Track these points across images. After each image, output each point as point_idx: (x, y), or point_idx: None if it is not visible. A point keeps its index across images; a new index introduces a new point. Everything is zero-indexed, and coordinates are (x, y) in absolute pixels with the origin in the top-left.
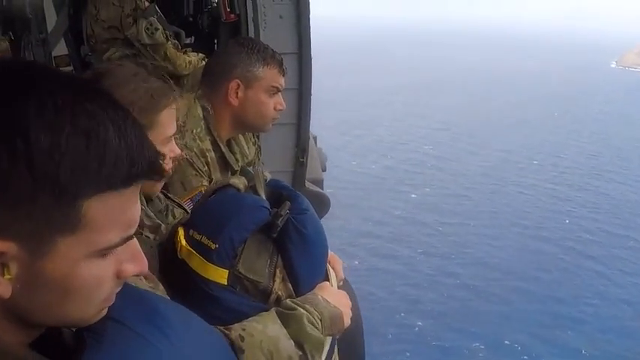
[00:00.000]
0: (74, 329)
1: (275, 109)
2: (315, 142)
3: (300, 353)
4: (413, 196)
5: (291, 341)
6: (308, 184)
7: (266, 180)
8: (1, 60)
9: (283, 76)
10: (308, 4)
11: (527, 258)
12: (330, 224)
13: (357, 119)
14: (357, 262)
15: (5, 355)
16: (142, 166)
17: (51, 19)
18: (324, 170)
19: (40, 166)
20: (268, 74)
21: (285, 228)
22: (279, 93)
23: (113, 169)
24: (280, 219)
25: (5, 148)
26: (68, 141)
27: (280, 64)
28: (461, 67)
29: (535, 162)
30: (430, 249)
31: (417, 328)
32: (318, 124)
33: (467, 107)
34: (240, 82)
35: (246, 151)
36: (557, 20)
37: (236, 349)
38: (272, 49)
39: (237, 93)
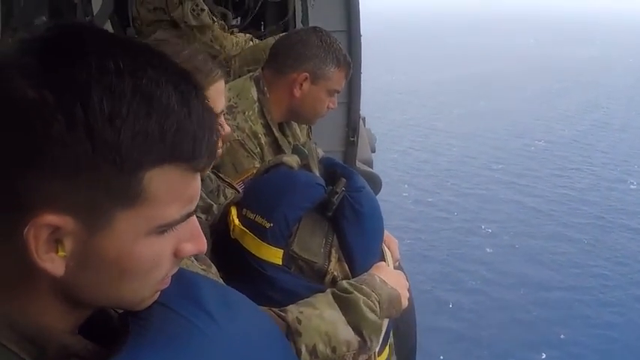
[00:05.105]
0: (119, 314)
1: (327, 107)
2: (364, 123)
3: (359, 339)
4: (489, 250)
5: (349, 327)
6: (359, 164)
7: (319, 158)
8: (56, 23)
9: (346, 80)
10: None
11: None
12: None
13: (411, 123)
14: None
15: (48, 342)
16: (206, 139)
17: (97, 1)
18: (373, 151)
19: (101, 132)
20: (336, 77)
21: (340, 206)
22: (336, 94)
23: (176, 139)
24: (336, 196)
25: (63, 114)
26: (130, 106)
27: (349, 69)
28: (513, 57)
29: (633, 186)
30: (524, 335)
31: None
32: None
33: (533, 106)
34: (308, 76)
35: (298, 133)
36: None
37: (293, 331)
38: (345, 52)
39: (301, 85)
